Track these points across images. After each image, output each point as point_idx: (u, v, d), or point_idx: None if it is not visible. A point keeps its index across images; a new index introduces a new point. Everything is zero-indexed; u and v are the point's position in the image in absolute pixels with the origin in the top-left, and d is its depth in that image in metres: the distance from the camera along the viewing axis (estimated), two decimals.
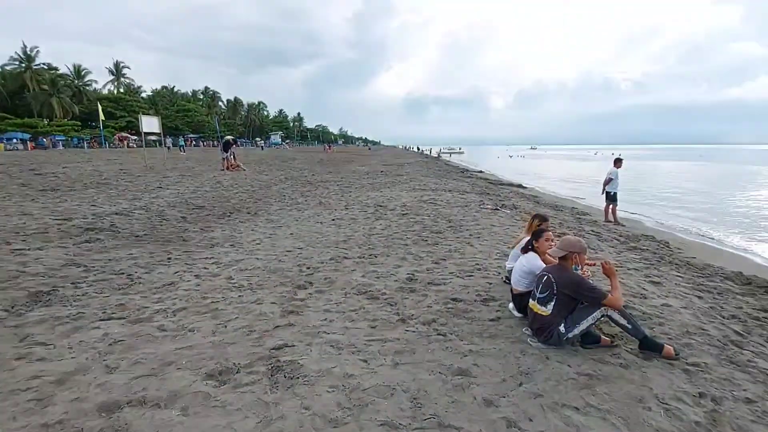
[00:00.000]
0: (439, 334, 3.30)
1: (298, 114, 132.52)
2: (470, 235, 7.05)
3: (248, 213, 9.23)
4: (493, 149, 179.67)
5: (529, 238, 3.77)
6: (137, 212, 8.48)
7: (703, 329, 3.59)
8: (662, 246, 8.36)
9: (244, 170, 18.10)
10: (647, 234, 9.73)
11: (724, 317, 4.01)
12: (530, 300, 3.28)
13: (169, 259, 5.55)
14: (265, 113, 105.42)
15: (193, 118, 71.36)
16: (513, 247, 4.48)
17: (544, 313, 3.10)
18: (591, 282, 3.19)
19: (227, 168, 17.60)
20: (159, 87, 78.85)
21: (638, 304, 4.06)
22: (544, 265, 3.42)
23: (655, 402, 2.45)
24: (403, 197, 11.81)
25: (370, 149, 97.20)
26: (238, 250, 6.12)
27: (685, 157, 75.92)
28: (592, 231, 9.00)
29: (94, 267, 5.03)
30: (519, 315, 3.65)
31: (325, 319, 3.61)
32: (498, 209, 10.16)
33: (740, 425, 2.29)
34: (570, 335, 3.03)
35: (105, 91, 65.12)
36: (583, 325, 3.02)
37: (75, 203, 8.99)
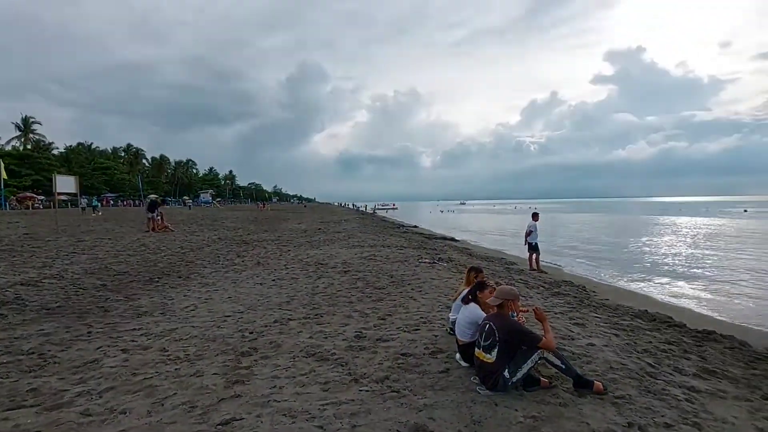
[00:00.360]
0: (393, 391, 3.33)
1: (230, 172, 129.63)
2: (412, 289, 7.26)
3: (179, 277, 8.68)
4: (424, 204, 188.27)
5: (469, 289, 4.04)
6: (48, 281, 7.59)
7: (623, 364, 4.01)
8: (580, 290, 9.23)
9: (173, 231, 17.06)
10: (566, 280, 10.69)
11: (638, 352, 4.51)
12: (476, 349, 3.47)
13: (89, 333, 5.02)
14: (194, 171, 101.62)
15: (113, 176, 66.61)
16: (455, 300, 4.73)
17: (489, 360, 3.30)
18: (527, 327, 3.49)
19: (153, 229, 16.48)
20: (75, 144, 73.21)
21: (567, 345, 4.43)
22: (485, 315, 3.68)
23: None
24: (343, 254, 11.88)
25: (305, 206, 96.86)
26: (170, 318, 5.71)
27: (586, 209, 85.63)
28: (521, 279, 9.70)
29: None
30: (466, 364, 3.80)
31: (275, 387, 3.47)
32: (435, 263, 10.60)
33: None
34: (514, 379, 3.23)
35: (9, 148, 58.99)
36: (524, 369, 3.25)
37: None
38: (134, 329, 5.17)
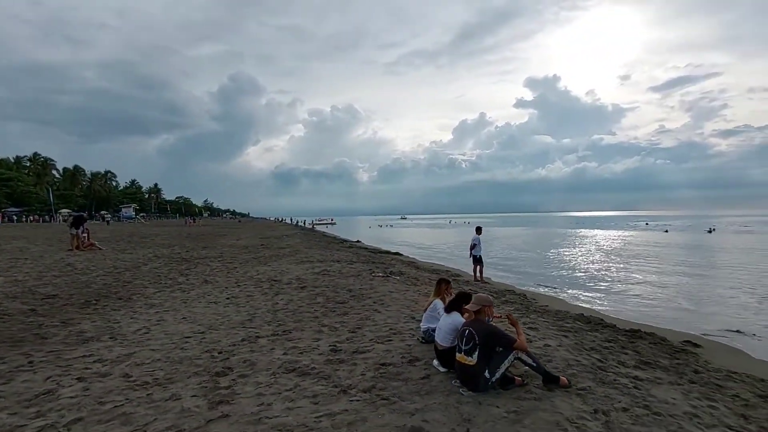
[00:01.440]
0: (382, 399, 3.46)
1: (156, 185, 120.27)
2: (374, 302, 7.42)
3: (119, 299, 8.02)
4: (361, 219, 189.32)
5: (451, 299, 4.29)
6: None
7: (577, 360, 4.51)
8: (522, 298, 10.01)
9: (101, 249, 15.55)
10: (508, 289, 11.50)
11: (587, 349, 5.08)
12: (457, 353, 3.73)
13: (31, 363, 4.53)
14: (114, 184, 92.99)
15: (15, 188, 58.87)
16: (425, 310, 5.00)
17: (470, 363, 3.58)
18: (503, 330, 3.83)
19: (77, 247, 14.89)
20: None
21: (529, 347, 4.87)
22: (463, 321, 3.98)
23: (567, 423, 3.04)
24: (294, 270, 11.70)
25: (240, 221, 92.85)
26: (122, 342, 5.31)
27: (513, 223, 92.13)
28: (470, 289, 10.25)
29: None
30: (444, 369, 4.05)
31: (262, 404, 3.44)
32: (389, 276, 10.85)
33: (626, 428, 3.00)
34: (493, 379, 3.53)
35: None
36: (502, 369, 3.58)
37: None
38: (84, 356, 4.75)
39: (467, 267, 16.96)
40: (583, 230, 56.78)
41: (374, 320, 6.12)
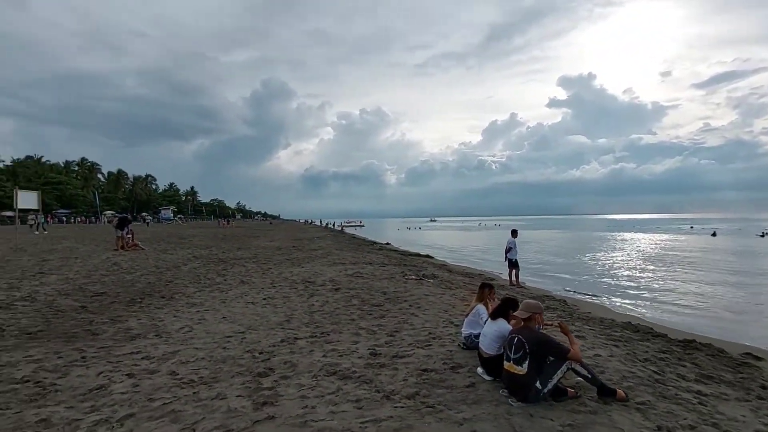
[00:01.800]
0: (427, 407, 3.36)
1: (192, 188, 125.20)
2: (410, 306, 7.32)
3: (162, 297, 8.29)
4: (389, 221, 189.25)
5: (497, 305, 4.13)
6: (19, 304, 7.04)
7: (632, 372, 4.25)
8: (563, 304, 9.62)
9: (143, 249, 16.25)
10: (547, 294, 11.11)
11: (640, 360, 4.78)
12: (504, 362, 3.58)
13: (84, 358, 4.71)
14: (154, 187, 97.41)
15: (65, 191, 62.66)
16: (467, 315, 4.86)
17: (520, 372, 3.42)
18: (555, 338, 3.65)
19: (122, 247, 15.62)
20: (22, 157, 68.44)
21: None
22: (511, 328, 3.82)
23: None
24: (327, 272, 11.77)
25: (271, 223, 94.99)
26: (167, 340, 5.45)
27: (547, 226, 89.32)
28: (514, 295, 9.96)
29: None
30: (489, 378, 3.90)
31: (306, 406, 3.41)
32: (422, 279, 10.72)
33: None
34: (545, 391, 3.36)
35: None
36: (555, 379, 3.40)
37: None
38: (132, 353, 4.90)
39: (501, 270, 16.57)
40: (622, 233, 54.47)
41: (412, 324, 6.02)
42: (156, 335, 5.69)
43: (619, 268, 18.92)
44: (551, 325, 4.18)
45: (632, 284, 14.26)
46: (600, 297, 11.83)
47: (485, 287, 4.88)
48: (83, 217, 60.73)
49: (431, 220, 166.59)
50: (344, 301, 7.79)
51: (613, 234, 52.94)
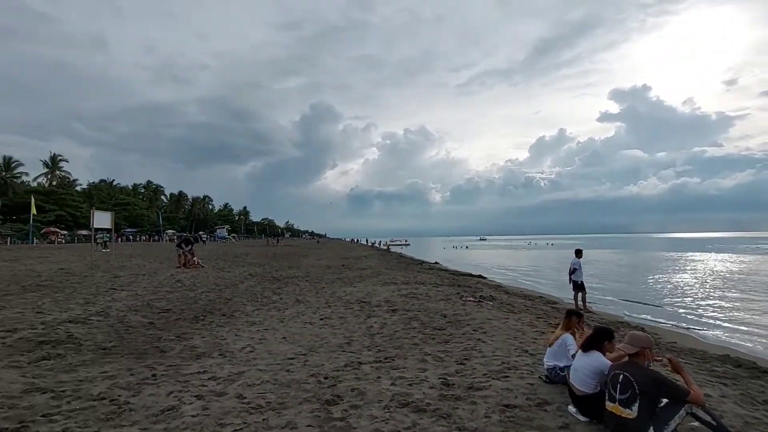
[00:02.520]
0: None
1: (244, 208, 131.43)
2: (474, 330, 6.88)
3: (223, 315, 8.42)
4: (434, 240, 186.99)
5: (590, 335, 3.68)
6: (95, 319, 7.38)
7: (756, 418, 3.59)
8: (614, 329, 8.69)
9: (203, 267, 16.96)
10: (620, 320, 10.15)
11: (759, 402, 4.08)
12: (608, 403, 3.12)
13: (155, 376, 4.74)
14: (210, 207, 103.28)
15: (132, 212, 67.92)
16: (550, 344, 4.40)
17: (629, 416, 2.95)
18: (670, 378, 3.14)
19: (184, 265, 16.39)
20: (96, 181, 75.43)
21: None
22: (610, 364, 3.35)
23: None
24: (380, 292, 11.54)
25: (318, 242, 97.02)
26: (231, 360, 5.41)
27: (603, 245, 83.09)
28: (601, 324, 9.19)
29: (64, 392, 4.13)
30: (585, 419, 3.43)
31: None
32: (481, 302, 10.19)
33: None
34: None
35: (35, 184, 60.90)
36: (672, 425, 2.90)
37: (16, 311, 7.67)
38: (199, 372, 4.88)
39: (559, 293, 15.55)
40: (690, 253, 49.98)
41: (481, 351, 5.59)
42: (220, 354, 5.68)
43: (698, 292, 17.14)
44: (660, 361, 3.64)
45: (718, 310, 12.77)
46: (682, 324, 10.65)
47: (573, 315, 4.41)
48: (147, 236, 65.30)
49: (481, 239, 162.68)
50: (403, 323, 7.49)
51: (681, 254, 48.65)
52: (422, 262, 30.05)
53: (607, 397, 3.16)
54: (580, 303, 11.88)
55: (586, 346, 3.58)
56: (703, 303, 14.24)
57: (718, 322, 11.03)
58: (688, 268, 30.10)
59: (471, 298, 10.46)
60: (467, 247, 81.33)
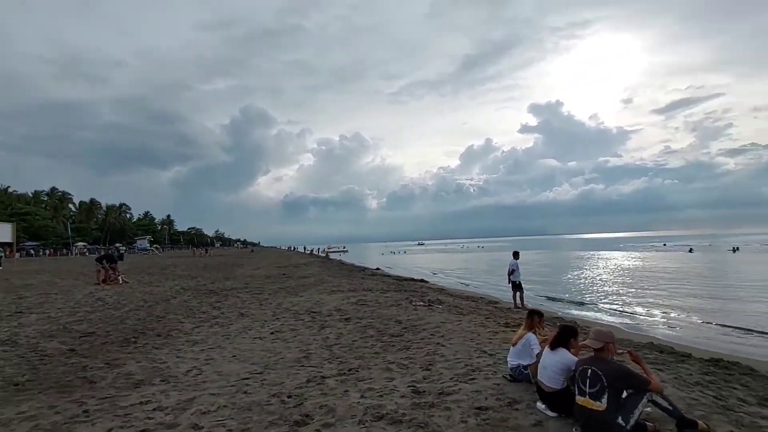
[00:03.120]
0: None
1: (168, 216, 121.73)
2: (431, 335, 6.94)
3: (158, 335, 7.64)
4: (372, 246, 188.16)
5: (557, 334, 3.84)
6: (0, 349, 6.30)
7: (695, 399, 4.00)
8: (575, 325, 9.40)
9: (127, 282, 15.31)
10: (557, 316, 10.91)
11: (691, 384, 4.57)
12: (578, 397, 3.28)
13: (86, 412, 4.12)
14: (128, 216, 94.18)
15: (33, 222, 59.72)
16: (514, 344, 4.55)
17: (599, 408, 3.12)
18: (632, 369, 3.38)
19: (103, 281, 14.67)
20: None
21: None
22: (576, 360, 3.53)
23: None
24: (329, 300, 11.27)
25: (252, 251, 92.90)
26: (176, 386, 4.89)
27: (527, 247, 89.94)
28: (518, 318, 9.69)
29: None
30: (554, 414, 3.57)
31: None
32: (431, 306, 10.36)
33: None
34: (628, 426, 3.06)
35: None
36: (636, 414, 3.11)
37: None
38: (141, 402, 4.34)
39: (498, 293, 16.38)
40: (601, 252, 55.62)
41: (443, 355, 5.64)
42: (162, 380, 5.12)
43: (613, 286, 19.05)
44: (621, 354, 3.91)
45: (631, 301, 14.27)
46: (606, 316, 11.73)
47: (534, 314, 4.60)
48: (53, 249, 57.76)
49: (419, 244, 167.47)
50: (359, 332, 7.36)
51: (593, 253, 53.93)
52: (364, 269, 29.98)
53: (576, 392, 3.32)
54: (519, 302, 12.56)
55: (554, 345, 3.75)
56: (619, 296, 15.85)
57: (635, 314, 12.31)
58: (602, 265, 33.46)
59: (421, 303, 10.60)
60: (405, 252, 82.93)
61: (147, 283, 15.94)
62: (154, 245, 72.84)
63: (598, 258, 42.55)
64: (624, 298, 15.32)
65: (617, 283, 20.01)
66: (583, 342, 3.48)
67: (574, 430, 3.30)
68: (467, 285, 20.59)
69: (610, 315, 12.21)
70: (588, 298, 15.50)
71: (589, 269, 29.59)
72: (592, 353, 3.40)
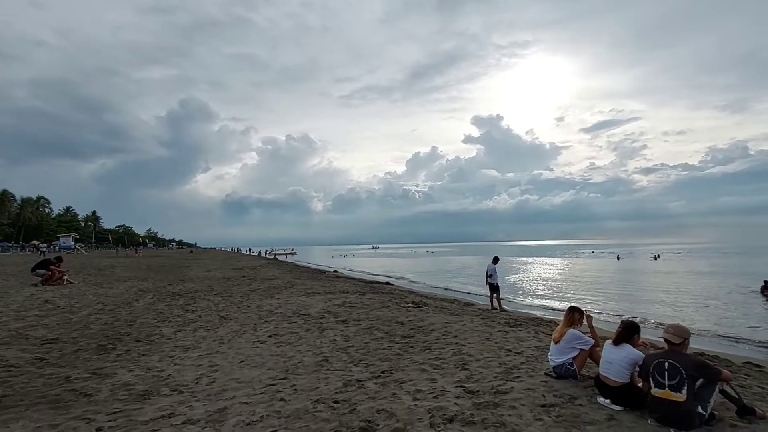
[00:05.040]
0: None
1: (93, 213, 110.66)
2: (443, 335, 6.86)
3: (137, 341, 6.84)
4: (317, 249, 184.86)
5: (621, 330, 3.90)
6: None
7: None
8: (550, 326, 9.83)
9: (72, 282, 13.57)
10: (535, 317, 11.34)
11: None
12: (656, 390, 3.35)
13: (100, 430, 3.53)
14: (47, 211, 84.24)
15: None
16: (556, 342, 4.59)
17: (679, 399, 3.21)
18: (708, 361, 3.53)
19: (45, 281, 12.86)
20: None
21: None
22: (643, 355, 3.63)
23: None
24: (312, 303, 10.81)
25: (192, 252, 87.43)
26: (194, 396, 4.37)
27: (470, 252, 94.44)
28: (499, 319, 9.94)
29: None
30: (619, 408, 3.63)
31: None
32: (421, 307, 10.30)
33: None
34: (706, 415, 3.20)
35: None
36: (711, 402, 3.26)
37: None
38: (162, 417, 3.79)
39: (468, 296, 16.77)
40: (539, 258, 59.19)
41: (471, 355, 5.58)
42: (173, 390, 4.55)
43: (555, 286, 20.34)
44: (645, 345, 4.06)
45: (572, 298, 15.28)
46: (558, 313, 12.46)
47: (575, 311, 4.68)
48: None
49: (373, 248, 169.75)
50: (366, 333, 7.09)
51: (532, 259, 57.20)
52: (323, 271, 29.29)
53: (653, 385, 3.39)
54: (496, 304, 12.90)
55: (618, 340, 3.83)
56: (560, 294, 16.93)
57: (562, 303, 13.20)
58: (544, 269, 35.64)
59: (411, 304, 10.51)
60: (354, 256, 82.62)
61: (95, 285, 14.27)
62: (78, 243, 65.69)
63: (536, 264, 44.95)
64: (563, 295, 16.44)
65: (555, 284, 21.61)
66: (664, 336, 3.54)
67: (649, 421, 3.37)
68: (424, 287, 20.92)
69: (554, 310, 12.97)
70: (535, 297, 16.40)
71: (533, 272, 31.39)
72: (665, 347, 3.51)
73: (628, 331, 3.83)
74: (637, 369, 3.66)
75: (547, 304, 15.23)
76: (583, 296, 17.44)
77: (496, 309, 12.66)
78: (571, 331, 4.52)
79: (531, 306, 14.99)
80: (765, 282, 17.32)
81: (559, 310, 13.67)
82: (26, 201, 73.64)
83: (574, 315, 4.64)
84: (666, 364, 3.35)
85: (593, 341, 4.42)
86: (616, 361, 3.74)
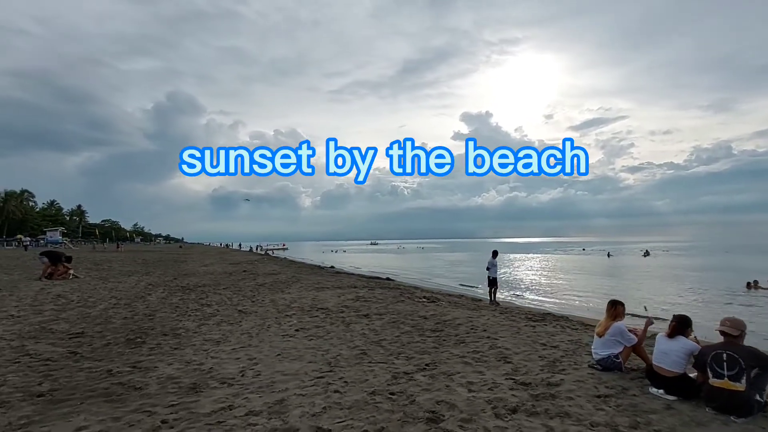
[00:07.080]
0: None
1: (79, 207, 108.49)
2: (472, 329, 6.96)
3: (164, 335, 6.78)
4: (306, 245, 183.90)
5: (675, 323, 4.03)
6: None
7: None
8: (564, 319, 10.00)
9: (78, 277, 13.34)
10: (532, 312, 11.52)
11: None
12: (714, 380, 3.49)
13: (166, 422, 3.54)
14: (31, 204, 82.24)
15: None
16: (601, 335, 4.71)
17: (739, 389, 3.35)
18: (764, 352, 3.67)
19: (49, 276, 12.62)
20: None
21: None
22: (699, 346, 3.77)
23: None
24: (326, 297, 10.83)
25: (181, 247, 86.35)
26: (246, 388, 4.37)
27: (459, 248, 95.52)
28: (502, 314, 10.10)
29: None
30: (672, 398, 3.76)
31: None
32: (434, 301, 10.40)
33: None
34: (763, 402, 3.35)
35: None
36: (766, 390, 3.40)
37: None
38: (222, 408, 3.79)
39: (471, 291, 16.95)
40: (532, 255, 59.91)
41: (508, 348, 5.68)
42: (222, 383, 4.54)
43: (564, 288, 20.69)
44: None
45: (563, 292, 15.60)
46: (546, 304, 12.70)
47: (618, 304, 4.81)
48: None
49: (372, 243, 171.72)
50: (393, 327, 7.15)
51: (525, 255, 57.90)
52: (321, 267, 29.24)
53: (711, 375, 3.53)
54: (493, 297, 13.05)
55: (673, 333, 3.96)
56: (552, 288, 17.25)
57: (562, 299, 13.50)
58: (540, 265, 36.15)
59: (424, 299, 10.60)
60: (345, 251, 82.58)
61: (101, 279, 14.05)
62: (65, 238, 64.32)
63: (532, 260, 45.63)
64: (556, 291, 16.83)
65: (547, 279, 21.99)
66: (722, 329, 3.66)
67: (707, 410, 3.50)
68: (423, 282, 21.11)
69: (577, 310, 13.19)
70: (528, 290, 16.69)
71: (529, 271, 31.79)
72: (723, 339, 3.64)
73: (681, 325, 3.97)
74: (692, 360, 3.80)
75: (557, 301, 15.48)
76: (584, 294, 17.77)
77: (493, 302, 12.79)
78: (616, 324, 4.65)
79: (542, 302, 15.21)
80: (748, 283, 18.12)
81: (568, 306, 13.92)
82: (10, 194, 71.80)
83: (618, 308, 4.76)
84: (724, 355, 3.49)
85: (636, 339, 4.54)
86: (673, 352, 3.87)
